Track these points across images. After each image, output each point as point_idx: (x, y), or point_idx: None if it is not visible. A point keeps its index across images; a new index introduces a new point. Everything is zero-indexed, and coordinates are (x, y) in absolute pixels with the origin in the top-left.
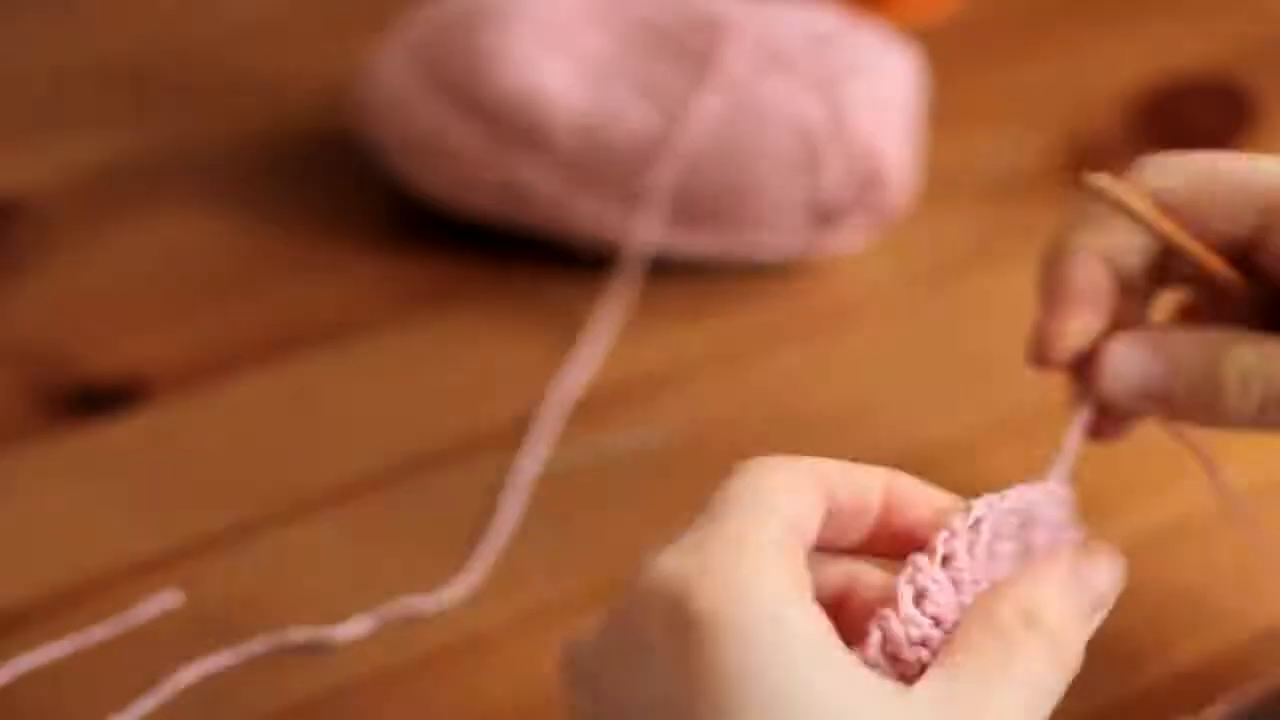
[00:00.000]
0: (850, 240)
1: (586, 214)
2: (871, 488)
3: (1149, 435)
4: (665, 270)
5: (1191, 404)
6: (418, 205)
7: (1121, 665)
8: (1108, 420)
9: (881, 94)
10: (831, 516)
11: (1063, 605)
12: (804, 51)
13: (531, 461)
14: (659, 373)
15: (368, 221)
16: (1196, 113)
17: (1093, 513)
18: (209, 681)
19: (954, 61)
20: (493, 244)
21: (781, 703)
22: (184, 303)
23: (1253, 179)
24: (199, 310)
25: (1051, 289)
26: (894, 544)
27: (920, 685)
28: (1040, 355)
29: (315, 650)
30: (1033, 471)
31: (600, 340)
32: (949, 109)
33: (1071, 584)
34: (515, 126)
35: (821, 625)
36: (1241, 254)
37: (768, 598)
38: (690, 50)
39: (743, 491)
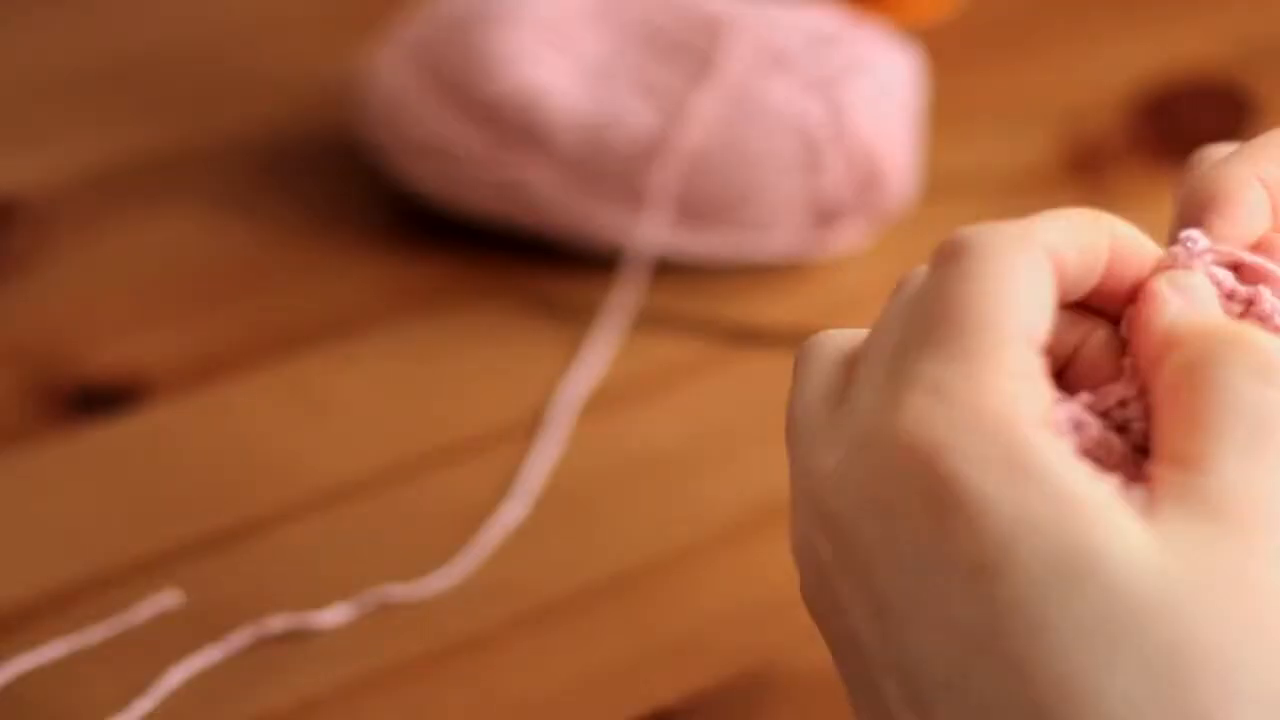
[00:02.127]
0: (850, 240)
1: (587, 214)
2: (1100, 246)
3: None
4: (666, 270)
5: None
6: (418, 205)
7: None
8: None
9: (881, 94)
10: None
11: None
12: (804, 51)
13: (534, 461)
14: (660, 373)
15: (368, 221)
16: (1196, 113)
17: None
18: (208, 680)
19: (954, 61)
20: (494, 244)
21: (1064, 572)
22: (184, 303)
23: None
24: (199, 310)
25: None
26: (1112, 297)
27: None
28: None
29: (316, 649)
30: None
31: (603, 341)
32: (949, 109)
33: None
34: (515, 126)
35: (1081, 471)
36: None
37: (1034, 459)
38: (690, 50)
39: (980, 303)
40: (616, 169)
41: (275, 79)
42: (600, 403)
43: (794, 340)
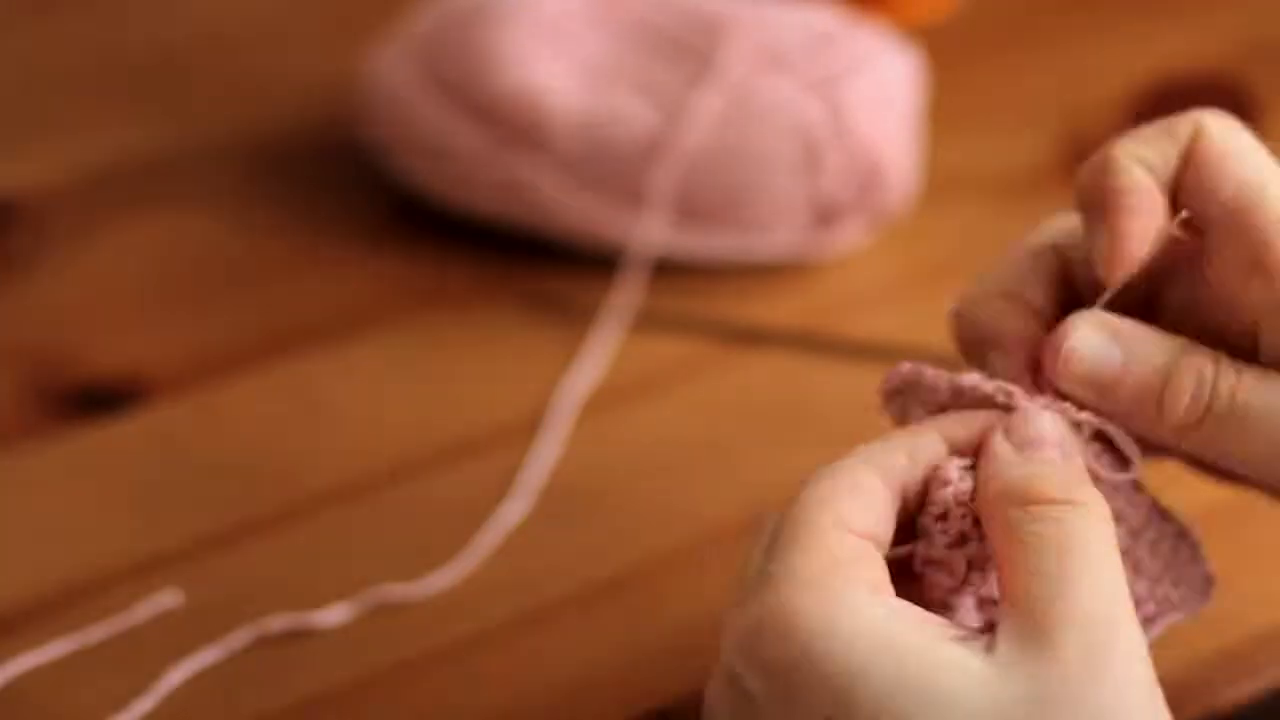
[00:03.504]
0: (850, 240)
1: (587, 213)
2: (937, 451)
3: None
4: (665, 270)
5: (1135, 400)
6: (419, 205)
7: None
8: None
9: (881, 94)
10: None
11: (1044, 467)
12: (804, 51)
13: (535, 461)
14: (660, 373)
15: (369, 221)
16: None
17: None
18: (208, 680)
19: (954, 61)
20: (494, 244)
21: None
22: (184, 303)
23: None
24: (199, 310)
25: (1104, 196)
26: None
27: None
28: (1110, 264)
29: (316, 649)
30: None
31: (603, 340)
32: (949, 109)
33: (1019, 438)
34: (515, 126)
35: (907, 617)
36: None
37: (854, 618)
38: (690, 50)
39: (802, 522)
40: (616, 168)
41: (275, 80)
42: (600, 403)
43: (794, 340)
